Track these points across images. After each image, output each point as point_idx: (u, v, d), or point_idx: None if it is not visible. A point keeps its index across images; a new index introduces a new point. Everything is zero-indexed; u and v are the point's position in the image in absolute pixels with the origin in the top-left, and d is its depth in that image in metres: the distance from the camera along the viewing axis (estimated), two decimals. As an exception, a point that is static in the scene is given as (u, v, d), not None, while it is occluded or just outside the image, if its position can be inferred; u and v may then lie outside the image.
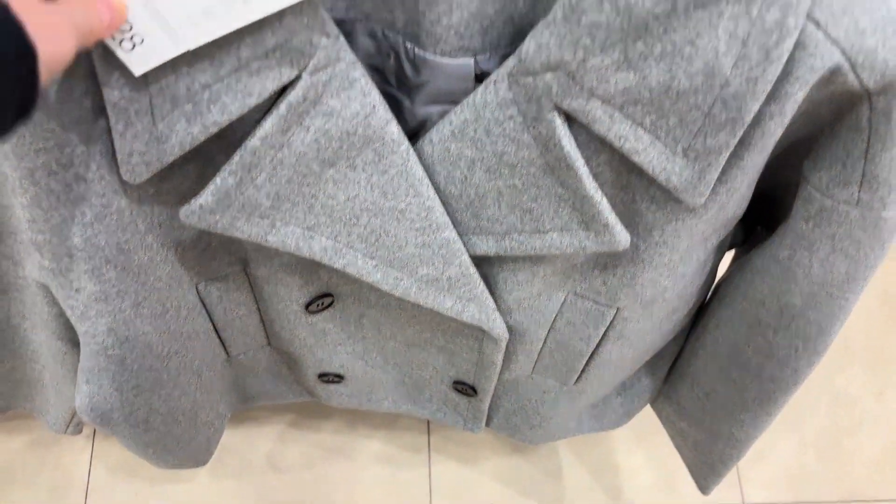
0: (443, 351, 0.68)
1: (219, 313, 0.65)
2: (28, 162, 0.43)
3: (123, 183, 0.48)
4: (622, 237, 0.48)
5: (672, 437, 0.88)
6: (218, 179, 0.47)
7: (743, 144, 0.43)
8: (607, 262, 0.55)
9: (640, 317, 0.60)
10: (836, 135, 0.46)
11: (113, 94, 0.41)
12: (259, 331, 0.71)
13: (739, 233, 0.63)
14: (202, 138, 0.44)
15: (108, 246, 0.50)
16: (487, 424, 0.83)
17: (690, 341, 0.76)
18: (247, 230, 0.49)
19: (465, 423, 0.81)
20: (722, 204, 0.48)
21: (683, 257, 0.54)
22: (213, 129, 0.43)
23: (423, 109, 0.49)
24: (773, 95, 0.40)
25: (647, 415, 0.88)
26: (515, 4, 0.42)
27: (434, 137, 0.47)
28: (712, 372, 0.71)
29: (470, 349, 0.65)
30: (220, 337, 0.69)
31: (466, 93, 0.45)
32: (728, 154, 0.42)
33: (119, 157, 0.44)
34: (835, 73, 0.40)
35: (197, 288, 0.61)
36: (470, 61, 0.44)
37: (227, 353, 0.72)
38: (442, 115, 0.48)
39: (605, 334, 0.62)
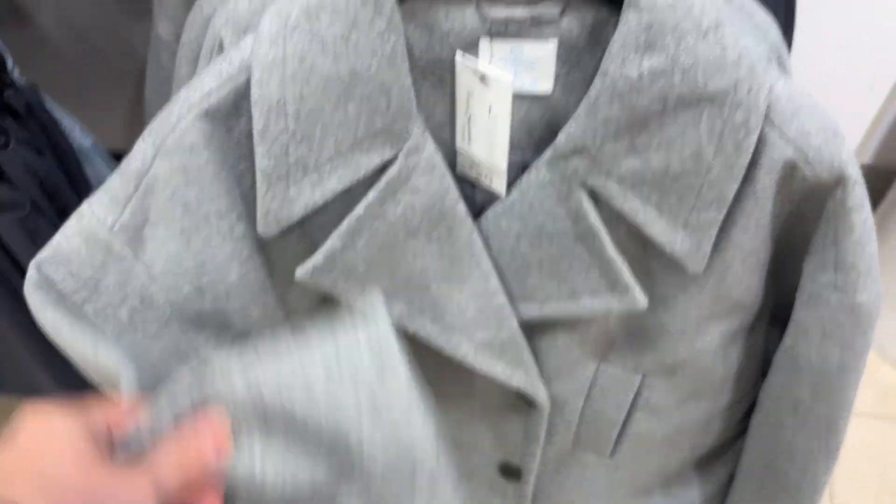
0: (491, 428, 0.73)
1: None
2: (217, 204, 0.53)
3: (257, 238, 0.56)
4: (640, 298, 0.56)
5: None
6: (328, 243, 0.54)
7: (730, 220, 0.54)
8: (632, 329, 0.63)
9: (664, 388, 0.66)
10: (817, 223, 0.55)
11: (263, 162, 0.51)
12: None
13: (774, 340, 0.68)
14: (321, 202, 0.52)
15: (255, 284, 0.57)
16: None
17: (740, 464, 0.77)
18: (344, 291, 0.56)
19: None
20: (720, 276, 0.57)
21: (697, 332, 0.61)
22: (329, 196, 0.52)
23: (481, 196, 0.62)
24: (747, 178, 0.51)
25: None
26: (554, 112, 0.56)
27: (490, 215, 0.59)
28: (751, 490, 0.73)
29: (516, 423, 0.71)
30: None
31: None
32: (717, 228, 0.53)
33: (259, 213, 0.52)
34: (792, 166, 0.51)
35: None
36: (518, 157, 0.58)
37: None
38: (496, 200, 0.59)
39: (633, 402, 0.68)
